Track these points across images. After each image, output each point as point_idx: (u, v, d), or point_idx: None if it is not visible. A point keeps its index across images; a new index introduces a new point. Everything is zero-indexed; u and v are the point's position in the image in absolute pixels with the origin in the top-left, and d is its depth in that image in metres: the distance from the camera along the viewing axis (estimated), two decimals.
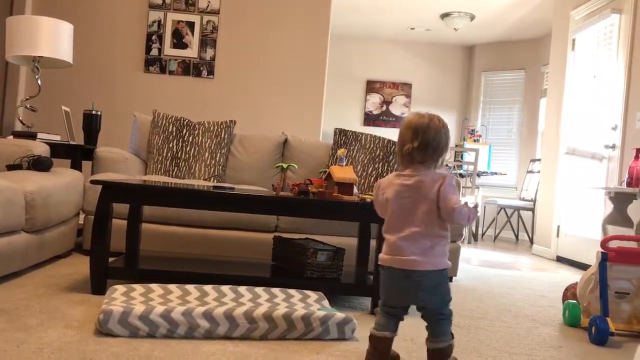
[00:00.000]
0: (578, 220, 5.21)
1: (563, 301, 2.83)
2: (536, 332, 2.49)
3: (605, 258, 2.49)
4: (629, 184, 3.73)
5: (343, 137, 4.04)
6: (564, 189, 5.55)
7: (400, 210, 1.74)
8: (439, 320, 1.75)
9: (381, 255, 1.77)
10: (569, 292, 2.85)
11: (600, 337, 2.33)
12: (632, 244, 3.23)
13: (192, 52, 5.52)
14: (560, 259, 5.46)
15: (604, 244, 2.53)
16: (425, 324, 1.79)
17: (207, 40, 5.53)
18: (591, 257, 3.08)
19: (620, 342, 2.44)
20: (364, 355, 1.90)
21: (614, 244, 2.57)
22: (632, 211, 3.94)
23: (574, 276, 4.40)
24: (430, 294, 1.72)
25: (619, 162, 4.56)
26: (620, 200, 3.97)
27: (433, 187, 1.71)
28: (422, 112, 1.80)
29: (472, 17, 7.25)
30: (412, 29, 8.07)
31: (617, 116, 4.64)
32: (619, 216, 3.97)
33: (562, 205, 5.55)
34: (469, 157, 7.19)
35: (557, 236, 5.56)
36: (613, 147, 4.67)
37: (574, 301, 2.68)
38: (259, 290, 2.34)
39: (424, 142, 1.73)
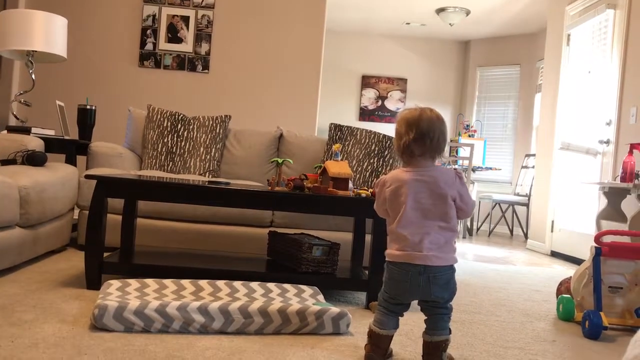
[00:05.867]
0: (572, 215, 5.24)
1: (557, 296, 2.85)
2: (530, 326, 2.50)
3: (599, 253, 2.50)
4: (622, 179, 3.75)
5: (338, 132, 4.04)
6: (558, 184, 5.57)
7: (416, 206, 1.73)
8: (441, 315, 1.76)
9: (392, 252, 1.76)
10: (563, 287, 2.87)
11: (593, 331, 2.35)
12: (625, 239, 3.25)
13: (187, 47, 5.50)
14: (554, 254, 5.49)
15: (597, 238, 2.54)
16: (424, 317, 1.79)
17: (202, 35, 5.51)
18: (585, 251, 3.10)
19: (614, 336, 2.45)
20: (359, 350, 1.90)
21: (607, 239, 2.59)
22: (626, 206, 3.96)
23: (568, 271, 4.42)
24: (443, 289, 1.73)
25: (613, 157, 4.58)
26: (614, 195, 3.99)
27: (451, 185, 1.74)
28: (412, 107, 1.80)
29: (468, 13, 7.25)
30: (408, 24, 8.06)
31: (612, 111, 4.66)
32: (612, 211, 3.99)
33: (557, 200, 5.57)
34: (464, 152, 7.20)
35: (552, 231, 5.59)
36: (607, 142, 4.69)
37: (568, 296, 2.69)
38: (254, 285, 2.35)
39: (419, 133, 1.73)
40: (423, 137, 1.73)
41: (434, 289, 1.72)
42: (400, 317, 1.81)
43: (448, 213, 1.73)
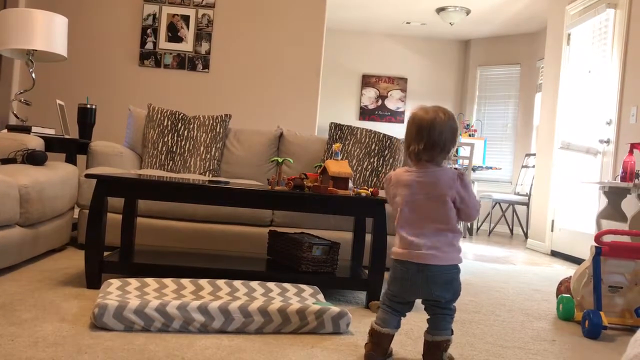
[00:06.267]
0: (572, 215, 5.23)
1: (557, 295, 2.85)
2: (530, 326, 2.50)
3: (599, 252, 2.50)
4: (623, 179, 3.75)
5: (338, 131, 4.04)
6: (558, 183, 5.57)
7: (415, 207, 1.74)
8: (443, 315, 1.76)
9: (395, 249, 1.78)
10: (563, 286, 2.87)
11: (593, 330, 2.35)
12: (625, 238, 3.25)
13: (187, 46, 5.50)
14: (554, 253, 5.49)
15: (597, 238, 2.54)
16: (425, 316, 1.80)
17: (202, 34, 5.51)
18: (585, 251, 3.10)
19: (613, 335, 2.45)
20: (359, 349, 1.91)
21: (607, 239, 2.59)
22: (626, 206, 3.96)
23: (567, 270, 4.42)
24: (444, 289, 1.74)
25: (613, 156, 4.58)
26: (614, 194, 3.99)
27: (450, 186, 1.72)
28: (427, 106, 1.77)
29: (468, 12, 7.25)
30: (408, 23, 8.06)
31: (612, 111, 4.66)
32: (613, 211, 3.99)
33: (557, 199, 5.57)
34: (464, 151, 7.20)
35: (552, 230, 5.59)
36: (607, 142, 4.69)
37: (568, 295, 2.69)
38: (254, 284, 2.35)
39: (430, 143, 1.72)
40: (433, 146, 1.73)
41: (434, 288, 1.72)
42: (402, 317, 1.81)
43: (446, 214, 1.73)
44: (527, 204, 6.92)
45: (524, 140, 7.99)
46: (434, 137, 1.72)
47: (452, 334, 1.77)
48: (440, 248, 1.72)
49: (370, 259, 2.57)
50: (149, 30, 5.47)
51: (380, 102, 8.77)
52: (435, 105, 1.78)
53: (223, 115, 4.07)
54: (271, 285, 2.37)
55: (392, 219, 3.04)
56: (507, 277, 3.82)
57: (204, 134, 3.97)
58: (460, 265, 1.77)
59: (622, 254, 2.52)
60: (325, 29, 5.72)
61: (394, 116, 8.75)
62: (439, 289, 1.73)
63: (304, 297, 2.34)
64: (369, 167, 3.91)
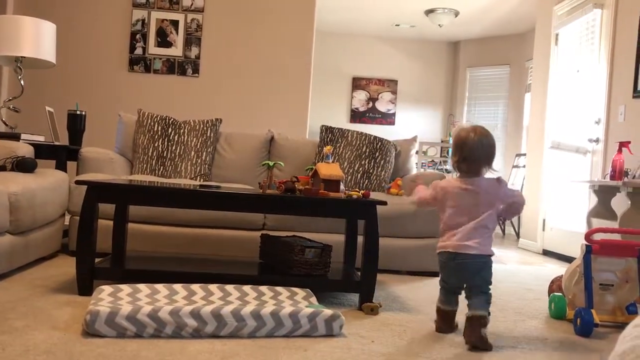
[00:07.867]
0: (563, 214, 5.26)
1: (549, 294, 2.86)
2: (522, 324, 2.51)
3: (589, 250, 2.51)
4: (612, 177, 3.78)
5: (329, 134, 4.04)
6: (549, 183, 5.60)
7: (460, 209, 2.12)
8: (480, 295, 2.10)
9: (439, 243, 2.18)
10: (555, 285, 2.88)
11: (585, 328, 2.36)
12: (615, 236, 3.27)
13: (176, 51, 5.49)
14: (546, 252, 5.51)
15: (588, 236, 2.55)
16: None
17: (192, 39, 5.51)
18: (576, 250, 3.11)
19: (605, 333, 2.47)
20: (353, 351, 1.91)
21: (598, 237, 2.60)
22: (616, 204, 3.99)
23: (559, 269, 4.44)
24: (475, 274, 2.10)
25: (602, 155, 4.60)
26: (604, 193, 4.02)
27: (494, 193, 2.12)
28: (466, 126, 2.17)
29: (457, 13, 7.29)
30: (397, 25, 8.09)
31: (600, 110, 4.69)
32: (603, 209, 4.02)
33: (548, 199, 5.60)
34: None
35: (543, 230, 5.61)
36: (597, 141, 4.72)
37: (560, 294, 2.71)
38: (246, 288, 2.35)
39: (462, 157, 2.13)
40: (465, 160, 2.13)
41: (467, 275, 2.11)
42: (458, 295, 2.21)
43: (489, 214, 2.09)
44: None
45: (514, 141, 8.03)
46: (465, 152, 2.12)
47: (489, 314, 2.08)
48: (475, 240, 2.07)
49: (362, 261, 2.57)
50: (138, 36, 5.46)
51: (370, 104, 8.79)
52: (473, 125, 2.17)
53: (213, 120, 4.07)
54: (264, 288, 2.37)
55: (384, 221, 3.05)
56: (499, 277, 3.83)
57: (194, 139, 3.97)
58: (491, 256, 2.13)
59: (612, 251, 2.54)
60: (315, 32, 5.73)
61: (385, 118, 8.78)
62: (470, 275, 2.11)
63: (296, 300, 2.34)
64: (360, 169, 3.91)
